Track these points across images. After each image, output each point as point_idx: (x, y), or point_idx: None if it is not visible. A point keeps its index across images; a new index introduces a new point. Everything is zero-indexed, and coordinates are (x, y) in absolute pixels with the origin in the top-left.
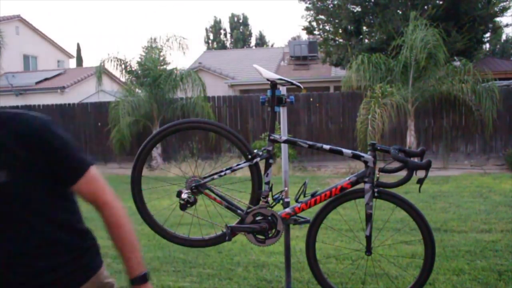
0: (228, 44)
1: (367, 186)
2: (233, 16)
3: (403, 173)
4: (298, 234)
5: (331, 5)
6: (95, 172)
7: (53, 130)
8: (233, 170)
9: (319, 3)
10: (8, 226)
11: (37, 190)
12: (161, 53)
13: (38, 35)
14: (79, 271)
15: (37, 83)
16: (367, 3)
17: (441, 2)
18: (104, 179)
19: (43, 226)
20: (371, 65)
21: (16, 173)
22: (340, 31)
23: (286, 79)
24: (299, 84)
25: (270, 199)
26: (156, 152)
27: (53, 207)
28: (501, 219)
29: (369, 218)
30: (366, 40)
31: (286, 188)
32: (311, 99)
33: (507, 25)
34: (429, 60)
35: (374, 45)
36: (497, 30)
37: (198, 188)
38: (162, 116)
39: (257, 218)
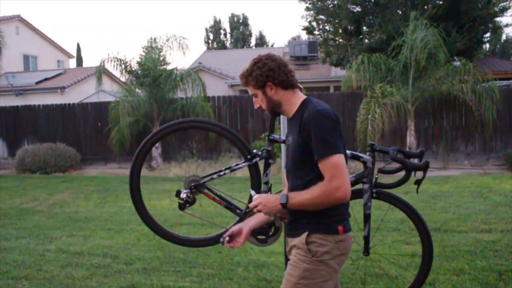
0: (228, 44)
1: (365, 186)
2: (233, 16)
3: (402, 174)
4: None
5: (331, 5)
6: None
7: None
8: (232, 170)
9: (319, 3)
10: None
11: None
12: (161, 53)
13: (38, 35)
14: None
15: (37, 83)
16: (367, 3)
17: (441, 2)
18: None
19: (298, 178)
20: (371, 65)
21: (294, 141)
22: (340, 31)
23: None
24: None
25: None
26: (156, 152)
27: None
28: (501, 219)
29: (367, 218)
30: (366, 40)
31: (285, 188)
32: None
33: (507, 25)
34: (429, 60)
35: (374, 45)
36: (497, 30)
37: (197, 188)
38: (162, 116)
39: None
